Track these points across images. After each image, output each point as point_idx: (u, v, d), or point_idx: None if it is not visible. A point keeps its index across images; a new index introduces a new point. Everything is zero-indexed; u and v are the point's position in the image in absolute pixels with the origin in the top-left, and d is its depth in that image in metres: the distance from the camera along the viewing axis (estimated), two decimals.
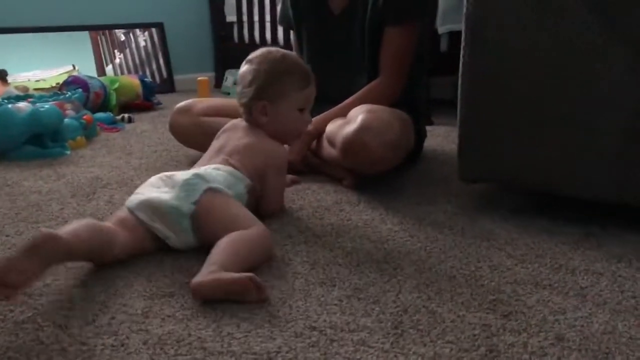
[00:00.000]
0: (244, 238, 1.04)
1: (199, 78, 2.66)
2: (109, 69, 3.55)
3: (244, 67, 1.31)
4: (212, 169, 1.20)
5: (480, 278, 1.02)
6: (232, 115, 1.77)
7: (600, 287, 0.99)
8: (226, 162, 1.24)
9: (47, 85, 2.90)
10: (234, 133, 1.33)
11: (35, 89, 2.78)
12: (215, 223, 1.07)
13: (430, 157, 1.87)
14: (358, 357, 0.79)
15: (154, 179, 1.17)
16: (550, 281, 1.01)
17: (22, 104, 1.89)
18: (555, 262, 1.08)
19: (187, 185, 1.10)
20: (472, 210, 1.36)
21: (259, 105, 1.27)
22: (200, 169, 1.20)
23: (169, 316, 0.89)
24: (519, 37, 1.20)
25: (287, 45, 3.06)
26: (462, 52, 1.27)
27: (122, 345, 0.82)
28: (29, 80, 2.96)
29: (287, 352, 0.80)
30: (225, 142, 1.32)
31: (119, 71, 3.54)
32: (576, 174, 1.22)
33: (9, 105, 1.85)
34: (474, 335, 0.84)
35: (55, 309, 0.92)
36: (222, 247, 1.00)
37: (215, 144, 1.35)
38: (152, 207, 1.09)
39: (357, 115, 1.39)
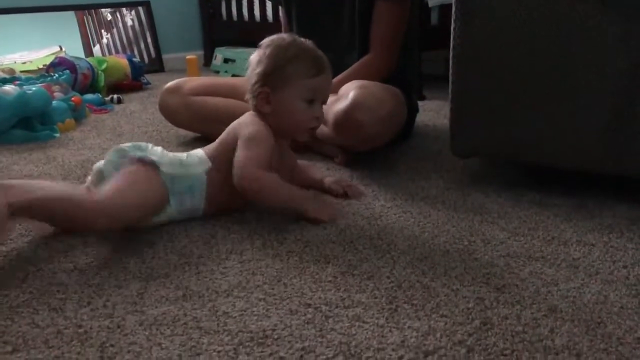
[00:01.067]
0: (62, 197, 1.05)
1: (187, 57, 2.63)
2: (96, 49, 3.51)
3: (254, 52, 1.23)
4: (183, 153, 1.19)
5: (473, 252, 1.02)
6: (222, 94, 1.76)
7: (592, 258, 0.99)
8: (208, 147, 1.23)
9: (33, 67, 2.87)
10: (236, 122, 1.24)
11: (22, 71, 2.75)
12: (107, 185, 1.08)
13: (422, 132, 1.86)
14: (353, 332, 0.79)
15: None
16: (542, 253, 1.01)
17: (8, 87, 1.86)
18: (547, 235, 1.09)
19: (120, 150, 1.13)
20: (465, 185, 1.36)
21: (262, 92, 1.18)
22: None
23: (163, 297, 0.90)
24: (510, 10, 1.19)
25: (276, 22, 3.02)
26: (452, 26, 1.25)
27: (118, 327, 0.82)
28: (15, 62, 2.92)
29: (282, 330, 0.80)
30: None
31: (106, 51, 3.49)
32: (567, 146, 1.22)
33: None
34: (468, 308, 0.85)
35: (50, 293, 0.91)
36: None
37: None
38: (95, 170, 1.16)
39: (349, 92, 1.38)
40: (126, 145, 1.14)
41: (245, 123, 1.19)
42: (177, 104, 1.74)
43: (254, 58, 1.21)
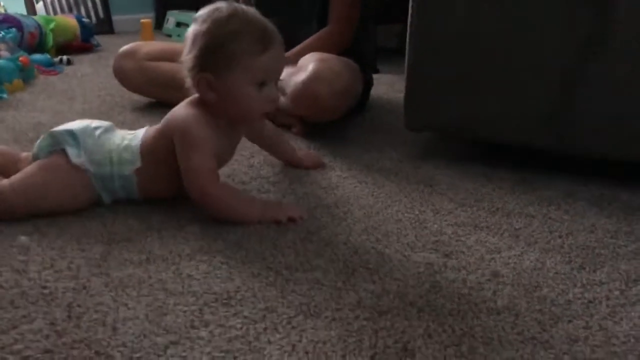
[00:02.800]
0: None
1: (142, 20, 2.58)
2: (39, 5, 3.37)
3: (189, 29, 1.05)
4: (119, 136, 1.09)
5: (424, 221, 1.09)
6: (178, 60, 1.75)
7: (532, 228, 1.07)
8: (147, 133, 1.10)
9: None
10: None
11: None
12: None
13: (376, 105, 1.91)
14: (313, 294, 0.84)
15: (85, 121, 1.11)
16: (487, 223, 1.09)
17: None
18: (492, 206, 1.16)
19: (53, 137, 1.06)
20: (416, 158, 1.42)
21: (202, 78, 1.02)
22: (99, 128, 1.09)
23: (127, 260, 0.92)
24: None
25: None
26: (410, 4, 1.29)
27: (84, 288, 0.84)
28: None
29: (245, 291, 0.84)
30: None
31: (50, 9, 3.36)
32: (513, 124, 1.29)
33: None
34: (419, 272, 0.91)
35: (11, 255, 0.92)
36: None
37: None
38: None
39: (308, 64, 1.40)
40: (60, 130, 1.07)
41: (177, 119, 1.05)
42: (132, 69, 1.72)
43: (189, 35, 1.03)
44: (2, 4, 3.15)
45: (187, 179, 1.02)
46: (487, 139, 1.36)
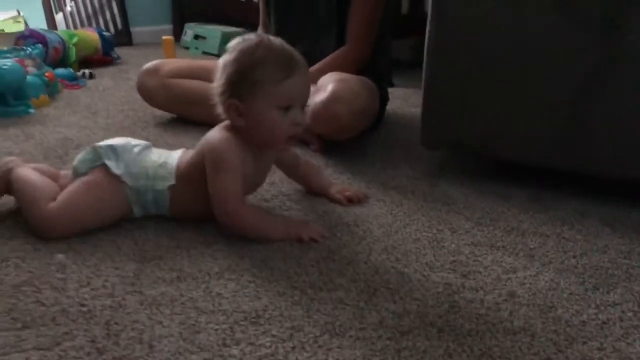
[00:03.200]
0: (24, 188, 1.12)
1: (163, 37, 2.64)
2: (59, 17, 3.43)
3: (221, 58, 1.13)
4: (157, 154, 1.16)
5: (441, 240, 1.13)
6: (200, 77, 1.80)
7: (547, 248, 1.11)
8: (184, 154, 1.17)
9: None
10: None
11: None
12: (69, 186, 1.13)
13: (391, 120, 1.95)
14: (337, 313, 0.88)
15: (126, 138, 1.18)
16: (503, 243, 1.12)
17: None
18: (507, 225, 1.20)
19: (95, 152, 1.13)
20: (432, 176, 1.46)
21: (231, 104, 1.08)
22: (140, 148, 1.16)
23: (159, 278, 0.96)
24: (481, 12, 1.28)
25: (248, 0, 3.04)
26: (428, 28, 1.34)
27: (120, 306, 0.89)
28: None
29: (273, 310, 0.89)
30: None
31: (69, 20, 3.42)
32: (527, 143, 1.32)
33: None
34: (438, 293, 0.95)
35: (50, 272, 0.97)
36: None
37: None
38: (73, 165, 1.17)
39: (328, 84, 1.45)
40: (102, 145, 1.13)
41: (211, 141, 1.10)
42: (156, 86, 1.78)
43: (220, 63, 1.10)
44: (21, 13, 3.21)
45: (215, 199, 1.08)
46: (502, 156, 1.39)
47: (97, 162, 1.12)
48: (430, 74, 1.37)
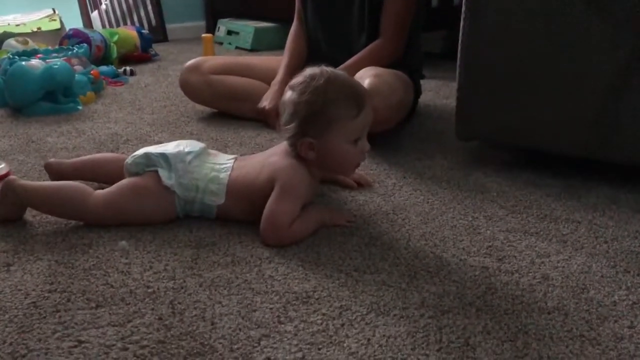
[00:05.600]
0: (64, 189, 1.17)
1: (203, 35, 2.73)
2: (94, 15, 3.53)
3: (287, 95, 1.16)
4: (209, 167, 1.18)
5: (477, 227, 1.18)
6: (242, 73, 1.89)
7: (579, 234, 1.16)
8: (239, 168, 1.19)
9: (27, 30, 2.89)
10: (276, 150, 1.22)
11: (18, 34, 2.74)
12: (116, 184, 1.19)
13: (424, 112, 2.00)
14: (381, 294, 0.95)
15: (180, 145, 1.21)
16: (536, 229, 1.18)
17: (35, 62, 1.96)
18: (540, 212, 1.25)
19: (148, 158, 1.17)
20: (466, 166, 1.51)
21: (304, 142, 1.13)
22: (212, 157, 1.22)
23: (215, 262, 1.04)
24: (513, 7, 1.33)
25: None
26: (462, 24, 1.38)
27: (182, 287, 0.97)
28: (8, 24, 2.93)
29: (321, 291, 0.96)
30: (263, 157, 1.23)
31: (105, 17, 3.53)
32: (560, 134, 1.37)
33: (23, 63, 1.93)
34: (475, 276, 1.01)
35: (115, 258, 1.06)
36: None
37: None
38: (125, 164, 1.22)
39: (364, 79, 1.50)
40: (155, 153, 1.17)
41: (285, 169, 1.14)
42: (199, 82, 1.86)
43: (288, 103, 1.14)
44: (56, 11, 3.31)
45: (270, 220, 1.10)
46: (534, 147, 1.44)
47: (150, 168, 1.17)
48: (465, 68, 1.42)
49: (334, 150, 1.14)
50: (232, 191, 1.16)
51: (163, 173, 1.15)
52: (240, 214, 1.17)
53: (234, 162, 1.21)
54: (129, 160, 1.21)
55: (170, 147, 1.20)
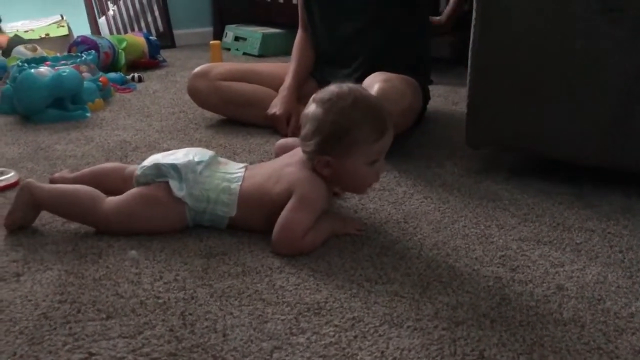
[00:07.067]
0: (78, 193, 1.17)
1: (211, 42, 2.73)
2: (101, 21, 3.54)
3: (310, 107, 1.14)
4: (220, 176, 1.17)
5: (489, 236, 1.17)
6: (249, 79, 1.88)
7: (593, 243, 1.14)
8: (251, 178, 1.18)
9: (35, 36, 2.89)
10: (290, 161, 1.20)
11: (27, 40, 2.74)
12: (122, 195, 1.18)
13: (432, 118, 1.99)
14: (394, 305, 0.94)
15: (190, 153, 1.20)
16: (549, 238, 1.16)
17: (43, 69, 1.96)
18: (553, 221, 1.24)
19: (157, 168, 1.16)
20: (476, 173, 1.50)
21: (322, 160, 1.12)
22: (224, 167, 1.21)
23: (226, 272, 1.04)
24: (525, 15, 1.32)
25: (286, 1, 3.11)
26: (473, 25, 1.37)
27: (192, 298, 0.96)
28: (17, 30, 2.93)
29: (333, 302, 0.95)
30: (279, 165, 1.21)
31: (112, 23, 3.54)
32: (571, 141, 1.35)
33: (32, 70, 1.93)
34: (488, 286, 1.00)
35: (125, 267, 1.05)
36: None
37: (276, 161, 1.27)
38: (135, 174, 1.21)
39: (373, 85, 1.49)
40: (165, 164, 1.16)
41: (305, 181, 1.13)
42: (207, 89, 1.86)
43: (310, 118, 1.12)
44: (64, 17, 3.32)
45: (285, 229, 1.08)
46: (546, 155, 1.43)
47: (160, 179, 1.16)
48: (475, 74, 1.41)
49: (351, 171, 1.14)
50: (244, 202, 1.15)
51: (174, 184, 1.14)
52: (251, 223, 1.16)
53: (245, 171, 1.20)
54: (138, 171, 1.20)
55: (179, 156, 1.19)
